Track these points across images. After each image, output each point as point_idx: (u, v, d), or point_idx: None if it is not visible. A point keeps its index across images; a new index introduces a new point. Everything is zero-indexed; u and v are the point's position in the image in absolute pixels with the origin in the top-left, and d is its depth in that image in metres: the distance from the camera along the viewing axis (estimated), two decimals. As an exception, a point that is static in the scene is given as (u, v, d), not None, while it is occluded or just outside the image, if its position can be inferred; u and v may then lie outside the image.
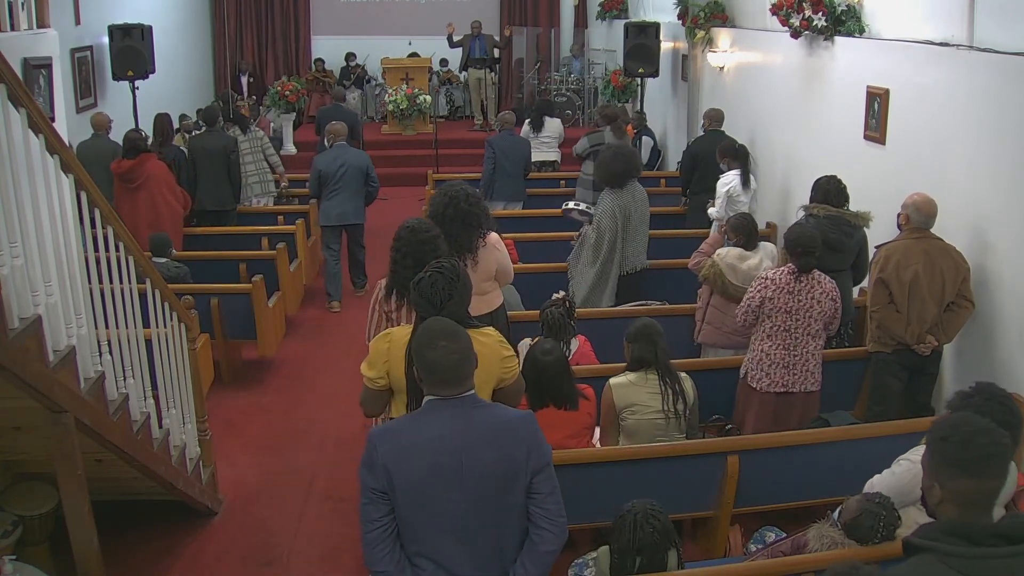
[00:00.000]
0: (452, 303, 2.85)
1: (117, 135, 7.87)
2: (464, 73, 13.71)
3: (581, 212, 6.18)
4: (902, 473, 3.21)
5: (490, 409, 2.52)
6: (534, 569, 2.48)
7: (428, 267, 2.96)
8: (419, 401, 2.90)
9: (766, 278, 4.44)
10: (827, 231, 4.90)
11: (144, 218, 6.85)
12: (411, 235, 3.58)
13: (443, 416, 2.43)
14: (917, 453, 3.22)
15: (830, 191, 5.06)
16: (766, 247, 5.24)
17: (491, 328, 3.15)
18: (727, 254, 5.10)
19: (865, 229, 5.02)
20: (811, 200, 5.14)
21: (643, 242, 5.79)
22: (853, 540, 3.04)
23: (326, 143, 7.84)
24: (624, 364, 4.16)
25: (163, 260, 5.86)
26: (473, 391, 2.50)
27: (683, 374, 4.09)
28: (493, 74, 13.20)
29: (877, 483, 3.28)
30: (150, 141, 7.67)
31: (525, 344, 4.67)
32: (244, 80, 14.22)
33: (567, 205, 6.47)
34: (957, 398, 3.06)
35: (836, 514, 3.13)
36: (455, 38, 12.91)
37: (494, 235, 4.33)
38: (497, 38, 13.41)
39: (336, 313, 7.60)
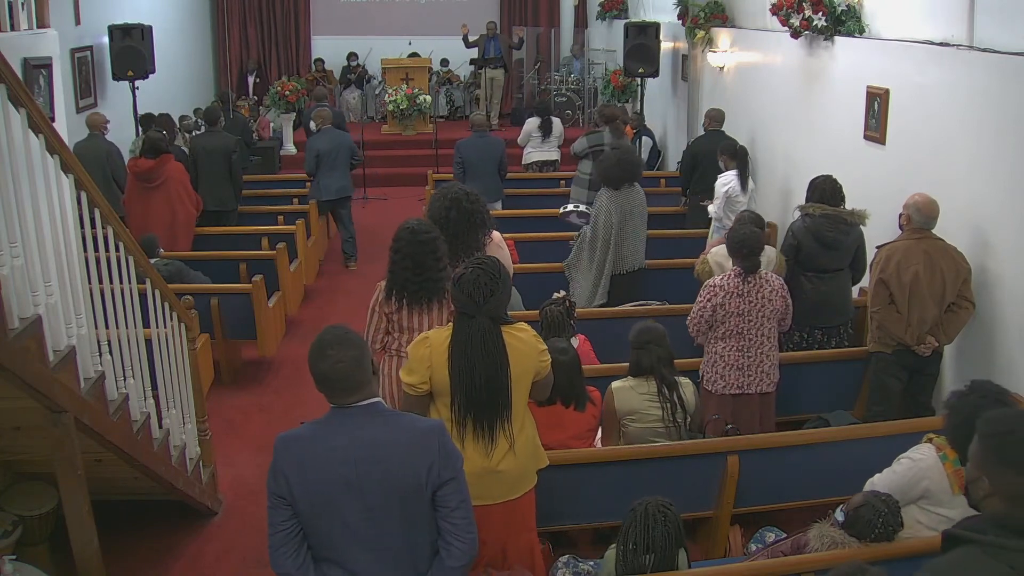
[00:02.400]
0: (494, 299, 2.88)
1: (114, 135, 7.88)
2: (478, 72, 13.68)
3: (580, 214, 6.20)
4: (903, 472, 3.21)
5: (394, 419, 2.48)
6: None
7: (469, 263, 2.98)
8: (462, 402, 2.92)
9: (714, 285, 4.40)
10: (824, 230, 4.89)
11: (160, 218, 6.86)
12: (411, 236, 3.58)
13: (346, 426, 2.40)
14: (918, 451, 3.22)
15: (826, 190, 5.06)
16: (767, 250, 5.17)
17: (525, 324, 3.17)
18: (717, 252, 5.09)
19: (862, 227, 5.02)
20: (807, 200, 5.14)
21: (640, 243, 5.80)
22: (852, 535, 3.03)
23: (312, 127, 8.71)
24: (626, 364, 4.16)
25: (152, 260, 5.82)
26: (377, 399, 2.46)
27: (684, 379, 4.07)
28: (505, 74, 13.24)
29: (878, 482, 3.28)
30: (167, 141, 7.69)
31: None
32: (251, 80, 14.24)
33: (565, 208, 6.49)
34: (954, 397, 3.07)
35: (839, 513, 3.13)
36: (470, 38, 12.95)
37: (497, 234, 4.33)
38: (509, 38, 13.47)
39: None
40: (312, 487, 2.37)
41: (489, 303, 2.88)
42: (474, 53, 13.21)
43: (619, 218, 5.62)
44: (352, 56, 14.47)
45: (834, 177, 5.13)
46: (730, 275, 4.39)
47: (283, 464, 2.39)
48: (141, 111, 9.31)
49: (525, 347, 3.04)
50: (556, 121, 9.51)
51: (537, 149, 9.47)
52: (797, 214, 5.18)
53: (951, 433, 3.08)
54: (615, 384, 4.04)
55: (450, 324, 3.08)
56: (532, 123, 9.45)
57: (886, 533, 3.00)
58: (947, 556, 1.96)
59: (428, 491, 2.41)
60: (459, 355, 2.94)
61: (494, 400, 2.96)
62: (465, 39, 12.98)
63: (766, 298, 4.33)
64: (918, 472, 3.16)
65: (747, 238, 4.33)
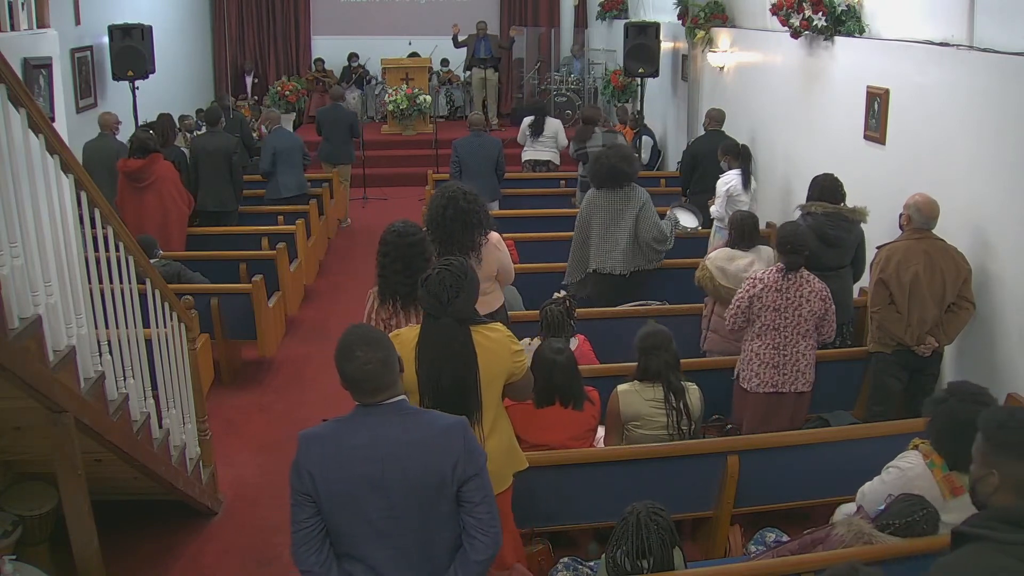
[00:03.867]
0: (459, 300, 2.86)
1: (123, 135, 7.88)
2: (467, 73, 13.73)
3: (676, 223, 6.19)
4: (892, 482, 3.19)
5: (418, 417, 2.49)
6: None
7: (436, 264, 2.95)
8: (430, 401, 2.91)
9: (755, 278, 4.42)
10: (825, 228, 4.89)
11: (152, 218, 6.84)
12: (398, 239, 3.56)
13: (369, 424, 2.41)
14: (905, 460, 3.20)
15: (826, 188, 5.06)
16: (762, 251, 5.13)
17: (499, 324, 3.15)
18: (716, 256, 5.08)
19: (863, 224, 5.02)
20: (808, 198, 5.13)
21: (617, 247, 5.58)
22: (881, 527, 3.02)
23: (264, 128, 9.02)
24: (625, 364, 4.16)
25: (152, 261, 5.77)
26: (401, 398, 2.47)
27: (692, 385, 4.05)
28: (496, 74, 13.24)
29: (868, 491, 3.27)
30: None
31: (524, 343, 4.66)
32: (248, 80, 14.22)
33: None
34: (932, 403, 3.04)
35: (882, 507, 3.12)
36: (460, 38, 12.95)
37: (495, 234, 4.31)
38: (500, 38, 13.45)
39: None
40: (336, 485, 2.38)
41: (454, 304, 2.85)
42: (464, 53, 13.22)
43: (588, 217, 5.62)
44: (353, 56, 14.49)
45: (834, 175, 5.13)
46: (771, 270, 4.40)
47: (306, 462, 2.40)
48: (141, 111, 9.31)
49: (496, 347, 3.01)
50: (551, 121, 9.49)
51: (530, 148, 9.50)
52: (798, 213, 5.17)
53: (935, 439, 3.06)
54: (621, 387, 4.02)
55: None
56: (525, 122, 9.49)
57: (924, 529, 2.99)
58: (957, 553, 1.96)
59: (453, 488, 2.42)
60: (425, 357, 2.92)
61: (463, 402, 2.92)
62: (455, 39, 12.99)
63: (804, 298, 4.32)
64: (907, 482, 3.14)
65: (793, 235, 4.33)
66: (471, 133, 8.29)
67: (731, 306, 4.49)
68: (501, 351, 3.02)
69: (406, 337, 3.02)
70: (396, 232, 3.58)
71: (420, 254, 3.58)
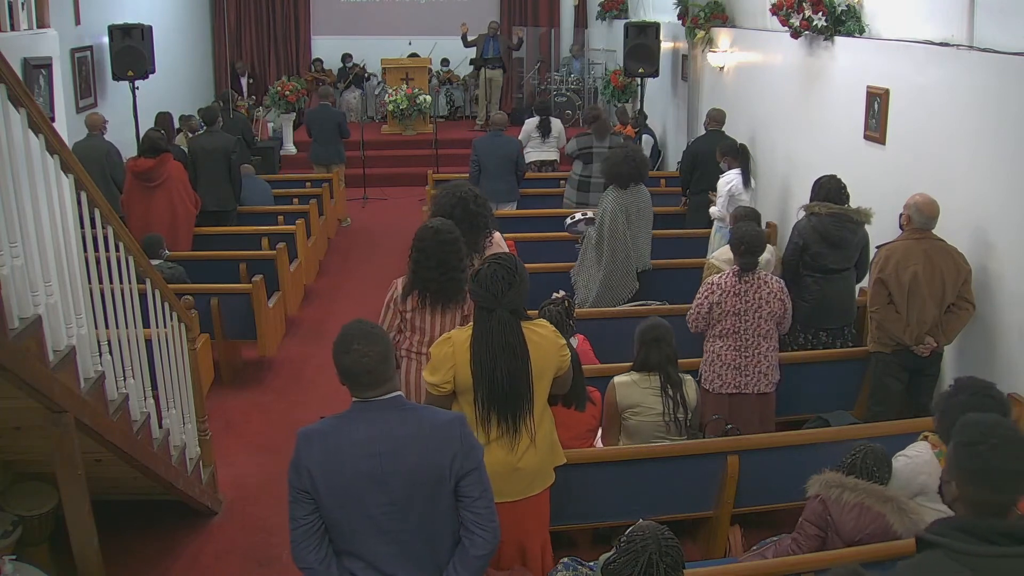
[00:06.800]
0: (512, 292, 2.93)
1: (114, 135, 7.87)
2: (476, 72, 13.69)
3: (587, 221, 6.16)
4: (900, 468, 3.22)
5: (416, 412, 2.49)
6: (466, 574, 2.48)
7: (487, 260, 3.04)
8: (485, 396, 2.96)
9: (712, 283, 4.41)
10: (831, 229, 4.89)
11: (162, 218, 6.84)
12: (435, 236, 3.62)
13: (366, 420, 2.42)
14: (914, 448, 3.23)
15: (831, 189, 5.06)
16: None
17: (545, 320, 3.22)
18: (721, 252, 5.09)
19: (867, 226, 5.02)
20: (812, 199, 5.13)
21: (645, 244, 5.78)
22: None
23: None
24: (626, 364, 4.16)
25: (157, 262, 5.73)
26: (398, 393, 2.47)
27: (687, 377, 4.07)
28: (502, 74, 13.25)
29: None
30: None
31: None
32: (244, 81, 14.22)
33: (572, 219, 6.44)
34: (941, 399, 3.05)
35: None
36: (469, 37, 12.95)
37: (498, 234, 4.35)
38: (508, 39, 13.48)
39: None
40: (335, 481, 2.38)
41: (508, 296, 2.93)
42: (472, 52, 13.22)
43: (623, 217, 5.60)
44: (347, 57, 14.50)
45: (838, 176, 5.13)
46: (728, 274, 4.39)
47: (306, 459, 2.41)
48: (141, 111, 9.31)
49: (545, 342, 3.07)
50: (555, 121, 9.49)
51: (536, 149, 9.47)
52: (801, 214, 5.16)
53: (945, 435, 3.07)
54: (617, 379, 4.05)
55: (471, 324, 3.10)
56: (531, 123, 9.44)
57: (862, 468, 3.11)
58: (913, 559, 1.98)
59: (451, 482, 2.43)
60: (480, 348, 2.97)
61: (516, 393, 2.98)
62: (464, 38, 13.01)
63: (764, 299, 4.32)
64: (915, 468, 3.18)
65: (747, 236, 4.33)
66: (491, 132, 8.18)
67: (691, 310, 4.47)
68: (549, 346, 3.08)
69: (458, 338, 3.05)
70: (434, 230, 3.63)
71: (455, 252, 3.63)
